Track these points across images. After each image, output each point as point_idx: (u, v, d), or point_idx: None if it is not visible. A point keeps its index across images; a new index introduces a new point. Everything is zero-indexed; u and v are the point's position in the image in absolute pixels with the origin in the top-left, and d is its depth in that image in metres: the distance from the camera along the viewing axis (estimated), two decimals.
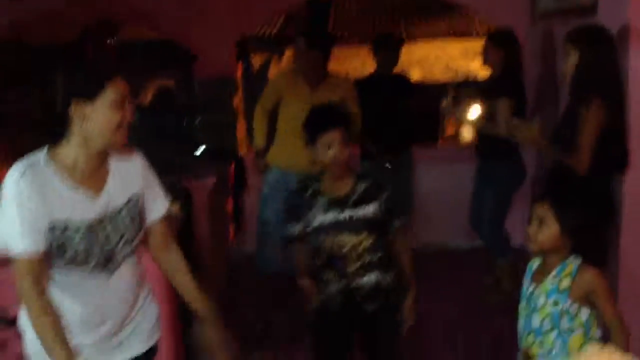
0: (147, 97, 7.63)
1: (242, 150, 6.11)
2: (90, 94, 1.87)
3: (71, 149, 1.91)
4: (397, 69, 5.11)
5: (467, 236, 5.01)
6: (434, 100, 7.96)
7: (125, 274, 2.10)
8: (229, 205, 5.59)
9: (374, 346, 2.74)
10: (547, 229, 2.21)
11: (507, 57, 4.20)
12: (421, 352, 3.65)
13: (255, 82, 7.09)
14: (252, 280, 5.11)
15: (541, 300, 2.22)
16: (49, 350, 1.88)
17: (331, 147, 2.54)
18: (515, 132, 3.33)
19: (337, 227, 2.57)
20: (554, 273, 2.22)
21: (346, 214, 2.56)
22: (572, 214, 2.21)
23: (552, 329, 2.20)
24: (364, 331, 2.74)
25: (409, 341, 2.78)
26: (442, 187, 5.45)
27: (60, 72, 1.90)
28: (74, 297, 1.98)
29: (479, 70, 5.11)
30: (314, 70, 4.22)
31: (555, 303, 2.18)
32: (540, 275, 2.29)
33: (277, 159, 4.49)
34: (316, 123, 2.61)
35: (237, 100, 6.19)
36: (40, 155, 1.91)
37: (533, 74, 4.60)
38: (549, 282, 2.22)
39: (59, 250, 1.90)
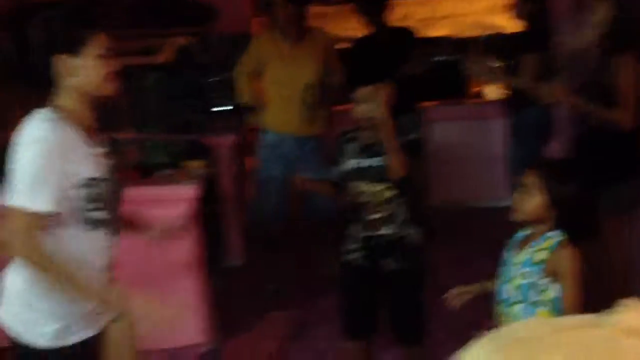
0: (164, 55, 7.55)
1: None
2: (71, 48, 1.91)
3: (67, 102, 1.94)
4: (421, 26, 5.03)
5: (494, 194, 4.95)
6: (461, 56, 7.78)
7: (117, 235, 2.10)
8: (248, 163, 5.57)
9: (394, 305, 2.80)
10: (532, 199, 2.15)
11: (537, 11, 4.08)
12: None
13: None
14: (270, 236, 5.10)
15: (514, 271, 2.16)
16: (78, 290, 1.86)
17: (361, 103, 2.64)
18: (538, 91, 3.25)
19: (360, 173, 2.64)
20: (531, 244, 2.15)
21: (367, 162, 2.63)
22: (560, 185, 2.14)
23: (519, 301, 2.13)
24: (385, 290, 2.79)
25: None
26: (468, 144, 5.38)
27: (40, 24, 1.96)
28: (86, 260, 1.97)
29: (506, 25, 4.99)
30: (294, 26, 4.15)
31: (527, 275, 2.11)
32: (523, 246, 2.22)
33: (270, 123, 4.41)
34: (351, 79, 2.77)
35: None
36: (49, 112, 1.92)
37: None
38: (524, 253, 2.16)
39: (83, 206, 1.87)
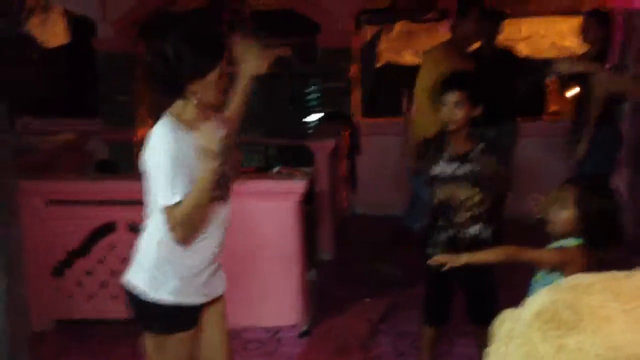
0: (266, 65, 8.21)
1: (357, 116, 6.57)
2: (198, 75, 2.21)
3: (188, 108, 2.27)
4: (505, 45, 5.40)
5: None
6: (540, 76, 8.11)
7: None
8: (344, 168, 6.10)
9: (472, 295, 3.09)
10: (564, 212, 2.26)
11: (605, 35, 4.43)
12: None
13: (367, 53, 7.51)
14: (361, 237, 5.62)
15: (543, 280, 2.31)
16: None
17: (447, 107, 2.91)
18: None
19: (455, 179, 2.93)
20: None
21: (464, 169, 2.92)
22: (593, 201, 2.22)
23: None
24: (462, 277, 3.01)
25: None
26: (541, 160, 5.71)
27: (172, 51, 2.23)
28: (208, 233, 2.35)
29: (580, 47, 5.31)
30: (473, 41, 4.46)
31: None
32: None
33: None
34: (441, 85, 3.01)
35: (354, 70, 6.64)
36: (168, 116, 2.26)
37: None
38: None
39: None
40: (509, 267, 2.53)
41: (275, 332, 3.87)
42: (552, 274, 2.32)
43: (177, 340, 2.42)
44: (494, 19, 5.18)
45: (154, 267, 2.34)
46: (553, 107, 8.46)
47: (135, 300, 2.41)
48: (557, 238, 2.34)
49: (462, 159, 2.95)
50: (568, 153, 5.04)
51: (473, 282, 3.01)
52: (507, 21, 7.26)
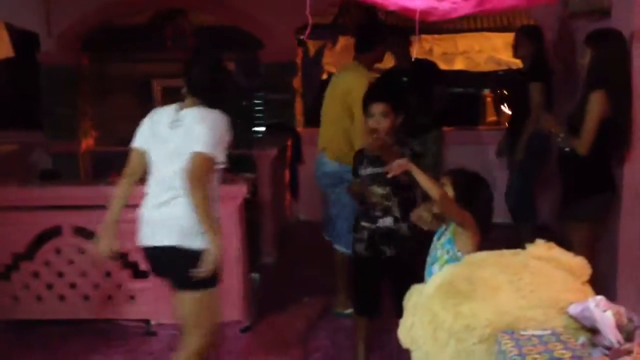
0: None
1: (299, 127, 6.80)
2: None
3: None
4: (442, 60, 5.71)
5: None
6: (476, 88, 8.52)
7: None
8: (286, 176, 6.30)
9: (395, 287, 3.23)
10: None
11: (536, 50, 4.77)
12: None
13: (311, 66, 7.77)
14: (302, 242, 5.83)
15: (439, 252, 2.58)
16: (209, 221, 2.73)
17: (372, 117, 3.12)
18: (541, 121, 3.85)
19: (372, 179, 3.18)
20: (445, 228, 2.62)
21: (379, 169, 3.12)
22: (464, 184, 2.56)
23: None
24: (386, 273, 3.27)
25: None
26: (474, 165, 6.02)
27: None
28: (214, 199, 2.86)
29: (517, 61, 5.64)
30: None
31: (447, 252, 2.54)
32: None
33: None
34: (366, 97, 3.22)
35: (297, 82, 6.87)
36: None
37: (559, 66, 5.16)
38: (443, 236, 2.60)
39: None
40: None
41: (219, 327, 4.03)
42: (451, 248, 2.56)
43: (216, 292, 2.88)
44: (401, 36, 5.36)
45: (189, 221, 2.75)
46: (490, 117, 8.88)
47: (191, 261, 2.73)
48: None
49: (376, 160, 3.16)
50: (500, 158, 5.38)
51: (397, 276, 3.21)
52: (443, 37, 7.65)
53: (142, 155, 2.95)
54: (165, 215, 2.83)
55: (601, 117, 3.40)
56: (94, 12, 6.43)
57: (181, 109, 2.86)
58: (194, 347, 2.90)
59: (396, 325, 2.00)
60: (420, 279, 2.92)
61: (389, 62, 5.70)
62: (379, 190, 3.18)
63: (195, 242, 2.75)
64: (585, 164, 3.46)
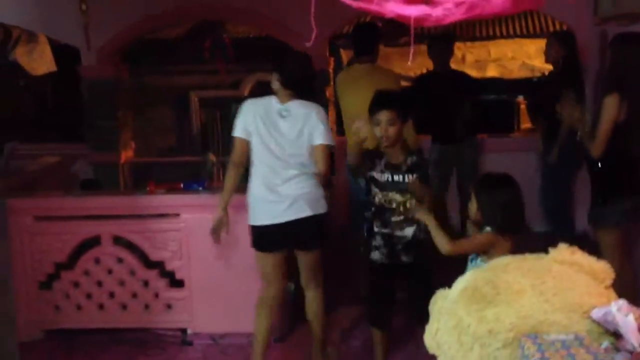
0: (246, 89, 8.53)
1: (333, 136, 6.84)
2: None
3: None
4: (475, 67, 5.73)
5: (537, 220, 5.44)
6: (509, 95, 8.47)
7: None
8: None
9: (412, 289, 3.34)
10: (472, 205, 2.69)
11: (568, 55, 4.75)
12: None
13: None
14: (340, 249, 5.83)
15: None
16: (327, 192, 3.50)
17: (381, 125, 3.18)
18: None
19: (391, 186, 3.22)
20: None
21: (399, 177, 3.21)
22: (488, 193, 2.63)
23: None
24: (403, 278, 3.33)
25: None
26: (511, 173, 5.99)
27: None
28: None
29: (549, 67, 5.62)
30: None
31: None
32: None
33: None
34: (372, 105, 3.27)
35: (330, 92, 6.94)
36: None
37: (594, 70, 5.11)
38: (475, 261, 2.67)
39: None
40: (449, 268, 2.76)
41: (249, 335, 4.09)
42: (481, 256, 2.64)
43: None
44: (443, 43, 5.49)
45: (318, 194, 3.41)
46: (525, 124, 8.81)
47: (321, 225, 3.44)
48: (478, 228, 2.70)
49: (396, 168, 3.23)
50: (538, 165, 5.34)
51: (415, 282, 3.30)
52: (476, 44, 7.64)
53: (247, 144, 3.38)
54: (298, 191, 3.36)
55: (615, 120, 3.38)
56: (132, 26, 6.59)
57: (281, 101, 3.37)
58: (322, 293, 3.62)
59: (413, 333, 2.03)
60: (432, 281, 3.07)
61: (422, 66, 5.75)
62: (397, 196, 3.21)
63: (321, 209, 3.41)
64: (611, 168, 3.44)
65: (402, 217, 3.22)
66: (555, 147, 4.83)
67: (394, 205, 3.23)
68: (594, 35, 5.17)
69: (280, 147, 3.34)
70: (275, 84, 3.37)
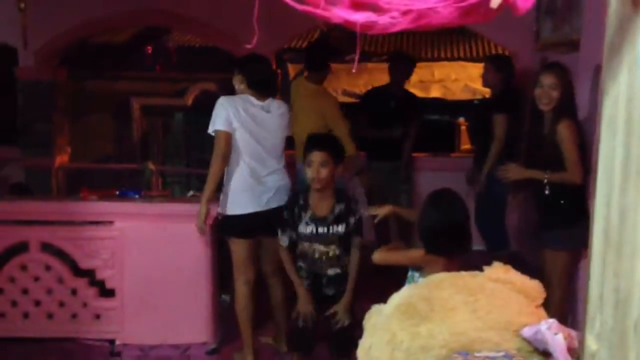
0: (190, 98, 8.42)
1: None
2: None
3: None
4: (419, 87, 5.82)
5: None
6: (451, 116, 8.65)
7: None
8: None
9: (332, 324, 3.27)
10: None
11: (504, 79, 4.86)
12: None
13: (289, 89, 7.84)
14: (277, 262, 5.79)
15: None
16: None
17: (313, 167, 3.12)
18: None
19: (315, 238, 3.21)
20: None
21: (323, 229, 3.20)
22: (427, 214, 2.60)
23: None
24: (326, 309, 3.29)
25: None
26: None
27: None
28: None
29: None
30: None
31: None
32: None
33: None
34: (306, 146, 3.24)
35: None
36: None
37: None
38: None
39: None
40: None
41: (185, 349, 3.99)
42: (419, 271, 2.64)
43: None
44: (405, 62, 5.57)
45: None
46: (465, 145, 8.99)
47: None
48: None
49: (321, 221, 3.21)
50: (469, 186, 5.44)
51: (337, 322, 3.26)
52: (420, 65, 7.75)
53: (230, 136, 3.45)
54: (280, 182, 3.61)
55: (578, 144, 3.42)
56: (73, 28, 6.41)
57: (257, 99, 3.56)
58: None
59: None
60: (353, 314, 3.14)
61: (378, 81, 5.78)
62: (321, 247, 3.23)
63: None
64: (570, 190, 3.47)
65: (327, 262, 3.25)
66: (482, 174, 4.92)
67: (316, 255, 3.25)
68: (535, 61, 5.33)
69: (266, 140, 3.57)
70: (240, 86, 3.60)
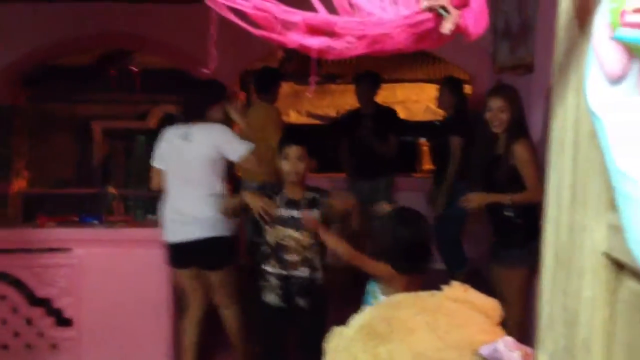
0: (153, 121, 8.35)
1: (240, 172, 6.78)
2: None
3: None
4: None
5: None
6: (413, 137, 8.72)
7: None
8: None
9: (303, 338, 3.29)
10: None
11: (458, 102, 4.96)
12: None
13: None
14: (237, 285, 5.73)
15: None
16: None
17: (290, 161, 3.17)
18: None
19: (289, 222, 3.19)
20: None
21: (297, 213, 3.18)
22: (389, 230, 2.65)
23: None
24: (297, 325, 3.26)
25: None
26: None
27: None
28: None
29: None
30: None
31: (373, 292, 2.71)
32: None
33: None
34: (283, 140, 3.29)
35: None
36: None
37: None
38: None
39: None
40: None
41: None
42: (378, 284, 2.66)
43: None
44: (369, 81, 5.64)
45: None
46: (426, 166, 9.08)
47: (224, 247, 3.63)
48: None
49: (294, 204, 3.21)
50: (429, 205, 5.50)
51: (308, 328, 3.22)
52: (383, 86, 7.85)
53: (160, 171, 3.69)
54: (200, 213, 3.61)
55: (537, 163, 3.47)
56: (33, 50, 6.32)
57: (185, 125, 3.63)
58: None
59: None
60: (326, 328, 3.01)
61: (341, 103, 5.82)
62: (294, 234, 3.17)
63: (224, 231, 3.64)
64: (524, 209, 3.52)
65: (298, 257, 3.18)
66: (440, 195, 4.98)
67: (290, 243, 3.19)
68: (492, 83, 5.43)
69: (184, 170, 3.58)
70: (180, 114, 3.91)
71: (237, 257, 3.79)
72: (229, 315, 3.83)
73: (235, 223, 3.72)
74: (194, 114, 3.66)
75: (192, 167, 3.58)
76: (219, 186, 3.63)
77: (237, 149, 3.58)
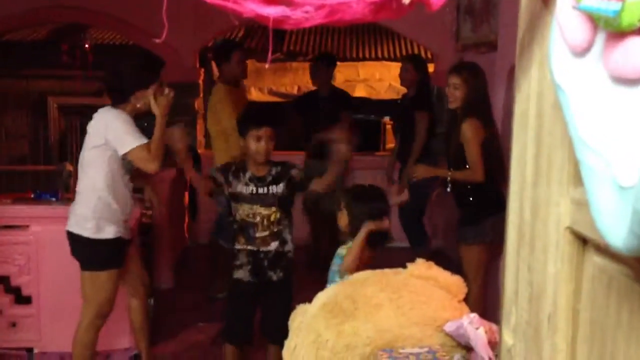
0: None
1: (200, 149, 6.71)
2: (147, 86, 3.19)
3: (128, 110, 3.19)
4: (344, 86, 5.85)
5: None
6: (376, 115, 8.76)
7: None
8: (186, 199, 6.18)
9: (270, 310, 3.28)
10: (342, 215, 2.83)
11: (420, 79, 4.97)
12: None
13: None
14: (200, 267, 5.73)
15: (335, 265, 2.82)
16: None
17: (261, 140, 3.12)
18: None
19: (256, 199, 3.17)
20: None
21: (263, 189, 3.17)
22: (356, 207, 2.77)
23: None
24: (265, 297, 3.25)
25: None
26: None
27: (127, 69, 3.23)
28: None
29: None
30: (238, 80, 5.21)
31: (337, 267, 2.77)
32: None
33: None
34: (249, 120, 3.22)
35: (199, 103, 6.80)
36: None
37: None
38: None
39: None
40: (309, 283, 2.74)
41: (106, 356, 3.88)
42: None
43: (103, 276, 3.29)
44: (325, 63, 5.60)
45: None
46: (390, 144, 9.13)
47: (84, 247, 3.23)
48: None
49: (260, 180, 3.19)
50: (388, 181, 5.53)
51: (275, 301, 3.23)
52: (346, 64, 7.81)
53: None
54: (75, 204, 3.29)
55: (480, 143, 3.53)
56: None
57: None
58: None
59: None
60: (291, 301, 3.07)
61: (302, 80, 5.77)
62: (262, 210, 3.16)
63: (85, 231, 3.21)
64: (476, 187, 3.57)
65: (266, 232, 3.17)
66: (406, 170, 5.00)
67: (257, 220, 3.17)
68: (455, 61, 5.45)
69: (80, 162, 3.23)
70: None
71: (114, 262, 3.29)
72: (135, 308, 3.64)
73: (125, 227, 3.31)
74: (113, 96, 3.24)
75: (83, 156, 3.20)
76: (100, 183, 3.14)
77: (125, 141, 3.07)
